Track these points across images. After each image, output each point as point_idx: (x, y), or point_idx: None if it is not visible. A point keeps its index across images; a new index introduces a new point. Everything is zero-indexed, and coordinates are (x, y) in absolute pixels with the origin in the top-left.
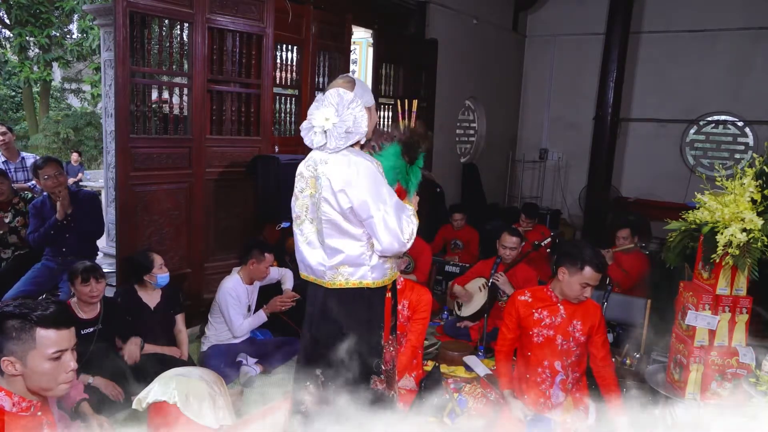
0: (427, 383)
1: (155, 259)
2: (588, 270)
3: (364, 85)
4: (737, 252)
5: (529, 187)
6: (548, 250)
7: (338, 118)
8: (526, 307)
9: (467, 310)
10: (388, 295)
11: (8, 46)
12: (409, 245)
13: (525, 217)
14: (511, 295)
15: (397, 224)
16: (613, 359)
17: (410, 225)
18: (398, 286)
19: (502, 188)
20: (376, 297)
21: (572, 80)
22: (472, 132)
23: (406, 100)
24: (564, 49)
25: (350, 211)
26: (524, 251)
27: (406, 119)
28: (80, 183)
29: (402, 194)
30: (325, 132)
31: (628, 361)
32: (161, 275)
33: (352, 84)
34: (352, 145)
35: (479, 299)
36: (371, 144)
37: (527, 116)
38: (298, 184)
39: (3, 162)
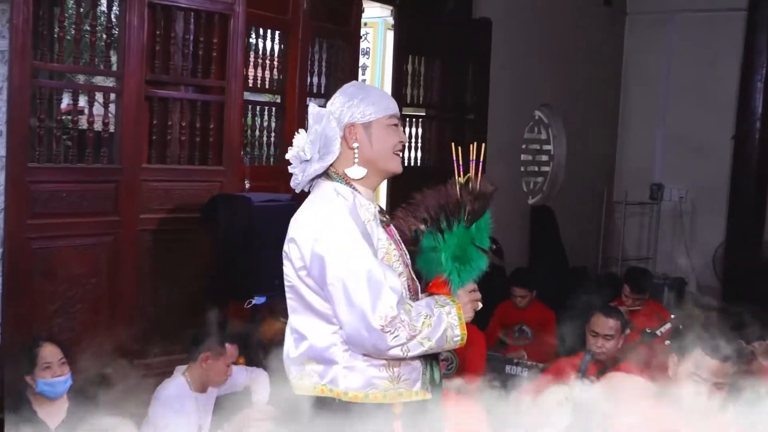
0: None
1: (41, 353)
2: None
3: (357, 92)
4: None
5: (635, 244)
6: (666, 341)
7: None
8: None
9: None
10: (397, 424)
11: None
12: (388, 337)
13: (630, 290)
14: None
15: (368, 298)
16: None
17: (388, 302)
18: None
19: (593, 244)
20: (358, 421)
21: (698, 80)
22: (545, 158)
23: (472, 145)
24: (685, 33)
25: (303, 269)
26: (630, 343)
27: (470, 172)
28: None
29: (442, 285)
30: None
31: None
32: (47, 380)
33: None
34: (330, 178)
35: (559, 421)
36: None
37: (630, 134)
38: None
39: None
